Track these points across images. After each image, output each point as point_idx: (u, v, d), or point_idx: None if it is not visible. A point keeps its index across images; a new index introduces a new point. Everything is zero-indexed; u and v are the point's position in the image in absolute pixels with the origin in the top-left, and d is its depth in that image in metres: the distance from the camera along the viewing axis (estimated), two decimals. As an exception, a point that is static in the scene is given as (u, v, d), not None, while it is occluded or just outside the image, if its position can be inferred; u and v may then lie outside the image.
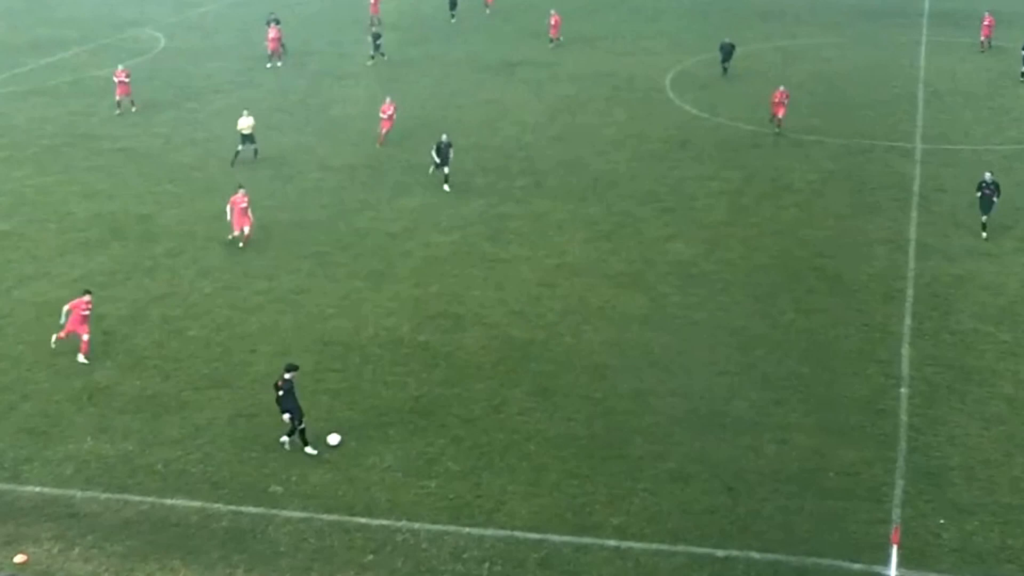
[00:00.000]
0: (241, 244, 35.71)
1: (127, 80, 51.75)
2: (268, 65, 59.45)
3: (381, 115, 46.29)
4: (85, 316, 28.94)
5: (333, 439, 24.87)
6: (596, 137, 47.12)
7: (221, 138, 46.79)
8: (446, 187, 40.62)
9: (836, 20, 70.89)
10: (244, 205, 35.82)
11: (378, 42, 60.81)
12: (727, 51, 57.31)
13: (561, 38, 64.34)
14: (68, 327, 28.92)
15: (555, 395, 26.81)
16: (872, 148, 45.08)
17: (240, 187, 36.56)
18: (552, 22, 64.87)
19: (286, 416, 24.61)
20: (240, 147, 43.85)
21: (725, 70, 56.77)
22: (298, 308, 31.56)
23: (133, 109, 51.56)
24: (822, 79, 56.09)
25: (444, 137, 41.40)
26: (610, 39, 65.95)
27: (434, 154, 41.18)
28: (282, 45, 60.72)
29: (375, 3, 70.15)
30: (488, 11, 75.12)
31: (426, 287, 32.65)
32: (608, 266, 34.17)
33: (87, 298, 29.25)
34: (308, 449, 24.61)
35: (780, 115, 46.86)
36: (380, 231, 37.28)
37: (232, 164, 43.24)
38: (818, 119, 49.00)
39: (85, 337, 28.81)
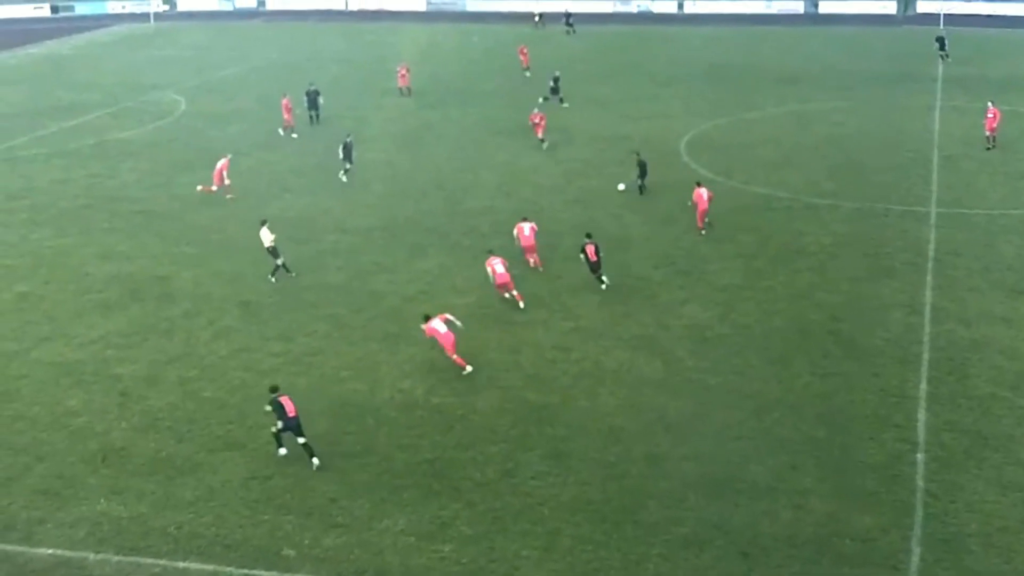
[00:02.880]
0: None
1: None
2: (281, 132, 59.42)
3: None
4: None
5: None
6: (610, 201, 47.24)
7: (240, 199, 47.09)
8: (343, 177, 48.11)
9: (850, 85, 71.21)
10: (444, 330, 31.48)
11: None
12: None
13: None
14: None
15: (569, 459, 26.66)
16: (886, 212, 45.06)
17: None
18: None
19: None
20: (278, 262, 38.83)
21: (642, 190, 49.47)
22: (313, 370, 31.56)
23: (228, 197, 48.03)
24: (836, 143, 56.24)
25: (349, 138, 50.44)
26: (626, 103, 66.37)
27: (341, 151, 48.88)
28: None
29: (404, 75, 70.61)
30: (528, 74, 75.64)
31: (441, 350, 32.59)
32: (623, 329, 34.10)
33: None
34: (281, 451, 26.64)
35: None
36: (396, 293, 37.35)
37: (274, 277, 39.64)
38: (832, 183, 49.07)
39: None
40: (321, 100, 61.42)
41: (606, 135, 58.39)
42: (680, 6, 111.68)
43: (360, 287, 37.97)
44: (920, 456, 26.51)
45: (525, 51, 78.00)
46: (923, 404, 28.97)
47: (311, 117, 60.96)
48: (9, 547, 23.64)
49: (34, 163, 55.27)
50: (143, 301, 37.03)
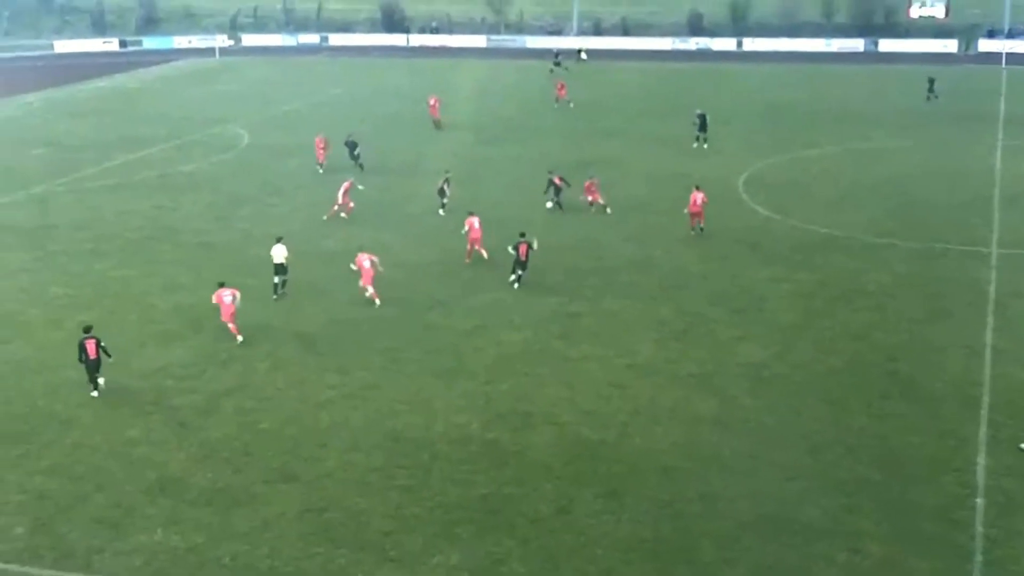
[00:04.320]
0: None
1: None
2: (320, 170, 59.47)
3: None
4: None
5: None
6: (667, 237, 47.11)
7: (299, 233, 47.52)
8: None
9: (910, 123, 70.67)
10: (229, 300, 36.00)
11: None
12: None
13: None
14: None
15: (624, 497, 26.47)
16: (946, 252, 44.54)
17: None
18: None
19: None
20: (276, 279, 40.46)
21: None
22: (369, 404, 31.64)
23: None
24: (896, 182, 55.76)
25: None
26: (684, 140, 66.26)
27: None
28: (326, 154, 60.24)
29: (434, 106, 71.16)
30: (572, 105, 76.08)
31: (496, 385, 32.60)
32: (679, 367, 33.90)
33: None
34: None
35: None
36: (452, 328, 37.42)
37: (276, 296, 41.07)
38: (891, 222, 48.61)
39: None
40: (359, 150, 59.67)
41: (663, 172, 58.32)
42: (739, 43, 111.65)
43: (416, 321, 38.09)
44: (979, 501, 26.02)
45: (563, 86, 78.69)
46: (983, 448, 28.47)
47: (357, 166, 59.05)
48: (67, 575, 23.86)
49: (100, 194, 56.19)
50: (203, 332, 37.37)
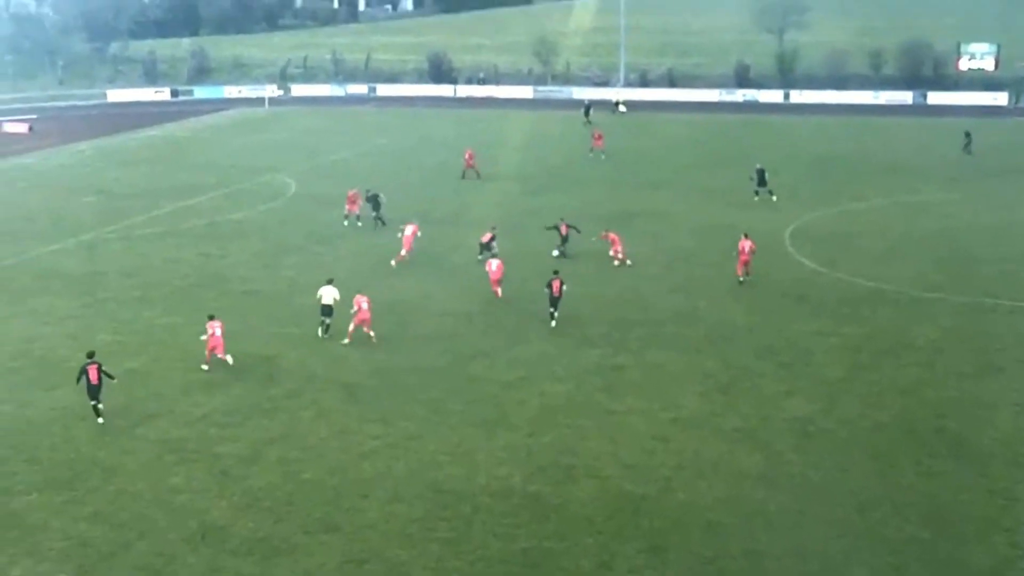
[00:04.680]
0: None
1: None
2: (345, 223, 59.15)
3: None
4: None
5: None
6: (713, 289, 46.95)
7: (344, 282, 47.64)
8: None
9: (958, 176, 70.22)
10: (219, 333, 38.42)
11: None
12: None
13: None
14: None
15: (666, 553, 26.22)
16: (996, 307, 44.04)
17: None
18: None
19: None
20: (326, 320, 41.37)
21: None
22: (411, 454, 31.61)
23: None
24: (944, 235, 55.33)
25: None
26: (730, 192, 66.17)
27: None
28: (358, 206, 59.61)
29: (470, 157, 71.51)
30: (603, 157, 76.48)
31: (539, 437, 32.49)
32: (723, 421, 33.64)
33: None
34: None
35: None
36: (495, 379, 37.38)
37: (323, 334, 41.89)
38: (940, 276, 48.19)
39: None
40: (383, 198, 58.79)
41: (710, 224, 58.20)
42: (786, 95, 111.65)
43: (459, 372, 38.10)
44: (1031, 562, 25.56)
45: (600, 136, 79.04)
46: (1035, 507, 27.99)
47: (376, 221, 58.28)
48: (108, 622, 23.94)
49: (149, 242, 56.84)
50: (248, 381, 37.57)
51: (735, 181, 68.87)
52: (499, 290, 45.47)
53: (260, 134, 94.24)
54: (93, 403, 33.87)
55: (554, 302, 42.24)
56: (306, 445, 32.37)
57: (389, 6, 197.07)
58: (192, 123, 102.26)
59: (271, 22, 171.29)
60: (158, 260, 53.16)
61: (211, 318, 38.85)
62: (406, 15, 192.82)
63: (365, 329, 40.47)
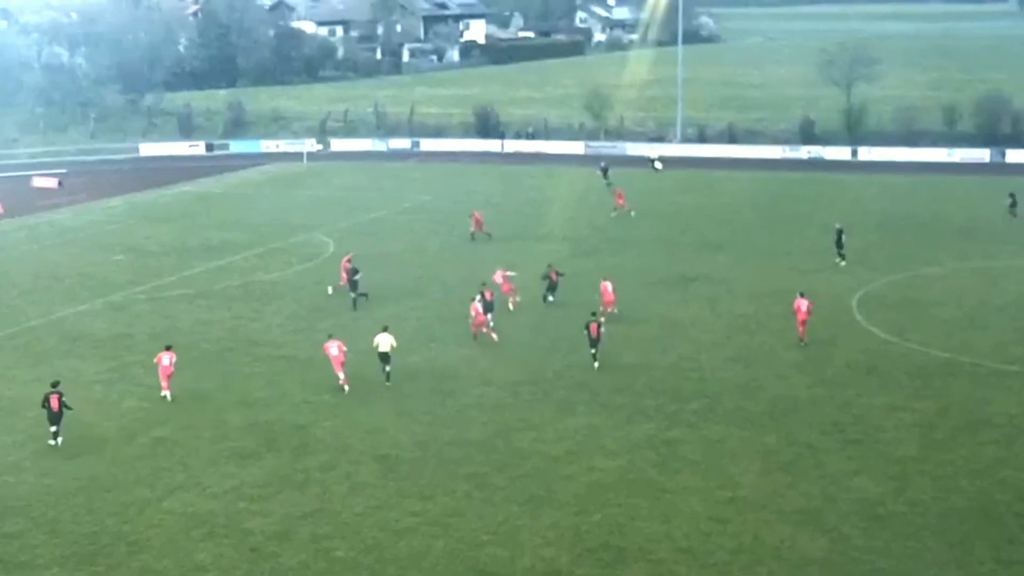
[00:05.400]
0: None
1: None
2: (330, 291, 58.53)
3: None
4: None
5: None
6: (775, 359, 46.70)
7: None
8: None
9: (1040, 240, 69.54)
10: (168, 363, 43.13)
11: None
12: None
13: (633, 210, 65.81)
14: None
15: (723, 644, 25.90)
16: (1082, 381, 43.48)
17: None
18: None
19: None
20: (386, 368, 44.15)
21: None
22: (451, 532, 31.52)
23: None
24: (1025, 303, 54.76)
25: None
26: (794, 255, 65.95)
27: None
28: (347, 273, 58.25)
29: (478, 219, 71.73)
30: (633, 214, 76.93)
31: (588, 516, 32.31)
32: (785, 501, 33.32)
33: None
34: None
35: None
36: (542, 453, 37.29)
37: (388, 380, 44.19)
38: (1021, 347, 47.63)
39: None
40: (359, 276, 57.01)
41: (772, 288, 57.95)
42: (854, 152, 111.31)
43: (504, 445, 38.04)
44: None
45: (621, 194, 79.54)
46: (1125, 601, 27.43)
47: (357, 296, 56.42)
48: None
49: (179, 303, 57.44)
50: (280, 451, 37.73)
51: (799, 243, 68.66)
52: (493, 334, 49.29)
53: (297, 190, 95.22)
54: (52, 428, 38.68)
55: (593, 344, 45.28)
56: (340, 521, 32.39)
57: (434, 57, 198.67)
58: (227, 178, 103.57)
59: (311, 73, 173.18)
60: (188, 322, 53.67)
61: (168, 348, 43.69)
62: (452, 66, 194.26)
63: (341, 374, 43.74)
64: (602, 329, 45.59)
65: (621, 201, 79.55)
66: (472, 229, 71.98)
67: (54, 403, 38.57)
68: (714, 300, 56.26)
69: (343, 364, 43.55)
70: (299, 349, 49.18)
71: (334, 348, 43.85)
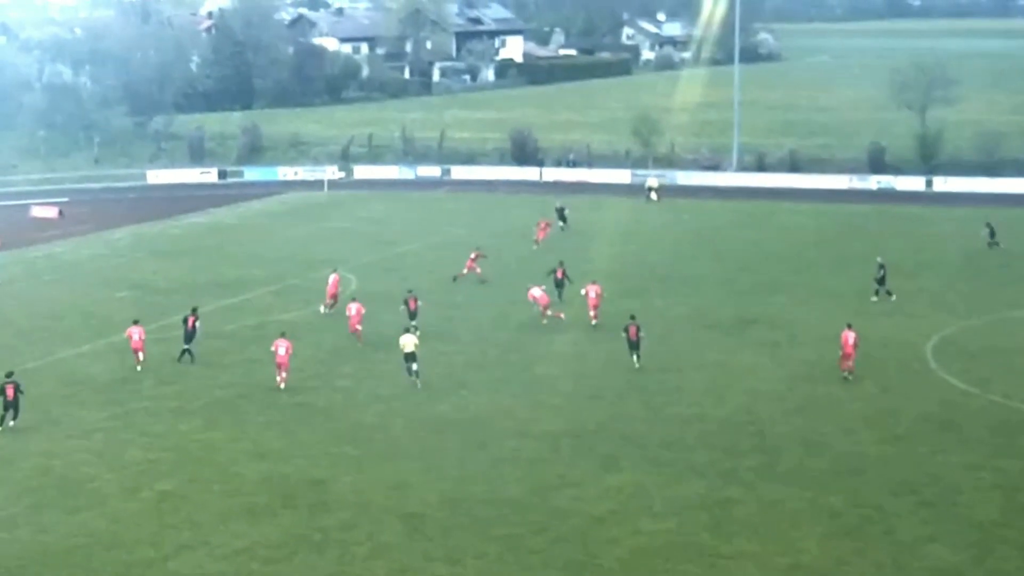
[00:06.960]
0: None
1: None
2: (322, 310, 63.41)
3: None
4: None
5: None
6: (841, 412, 46.54)
7: (409, 395, 48.10)
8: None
9: None
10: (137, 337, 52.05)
11: None
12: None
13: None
14: None
15: None
16: None
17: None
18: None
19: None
20: (413, 367, 49.07)
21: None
22: (483, 601, 31.52)
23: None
24: (1120, 351, 54.34)
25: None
26: (862, 297, 65.68)
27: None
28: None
29: (473, 259, 71.70)
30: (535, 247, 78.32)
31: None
32: (852, 569, 33.20)
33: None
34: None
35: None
36: (583, 513, 37.25)
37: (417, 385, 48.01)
38: (1116, 399, 47.32)
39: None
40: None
41: (836, 333, 57.56)
42: (928, 183, 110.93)
43: (541, 503, 38.03)
44: None
45: (547, 226, 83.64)
46: None
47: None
48: None
49: (188, 345, 57.77)
50: (296, 508, 37.85)
51: (867, 283, 68.39)
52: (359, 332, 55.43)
53: (317, 222, 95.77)
54: (3, 414, 44.56)
55: (633, 346, 51.29)
56: (361, 586, 32.44)
57: (467, 76, 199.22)
58: (241, 209, 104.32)
59: (333, 94, 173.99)
60: (197, 367, 53.98)
61: (135, 322, 52.16)
62: (486, 87, 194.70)
63: (282, 373, 49.39)
64: (641, 333, 51.32)
65: (542, 235, 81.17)
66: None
67: (9, 392, 44.74)
68: (774, 346, 56.11)
69: (286, 366, 49.63)
70: (318, 396, 49.40)
71: (282, 348, 49.63)
